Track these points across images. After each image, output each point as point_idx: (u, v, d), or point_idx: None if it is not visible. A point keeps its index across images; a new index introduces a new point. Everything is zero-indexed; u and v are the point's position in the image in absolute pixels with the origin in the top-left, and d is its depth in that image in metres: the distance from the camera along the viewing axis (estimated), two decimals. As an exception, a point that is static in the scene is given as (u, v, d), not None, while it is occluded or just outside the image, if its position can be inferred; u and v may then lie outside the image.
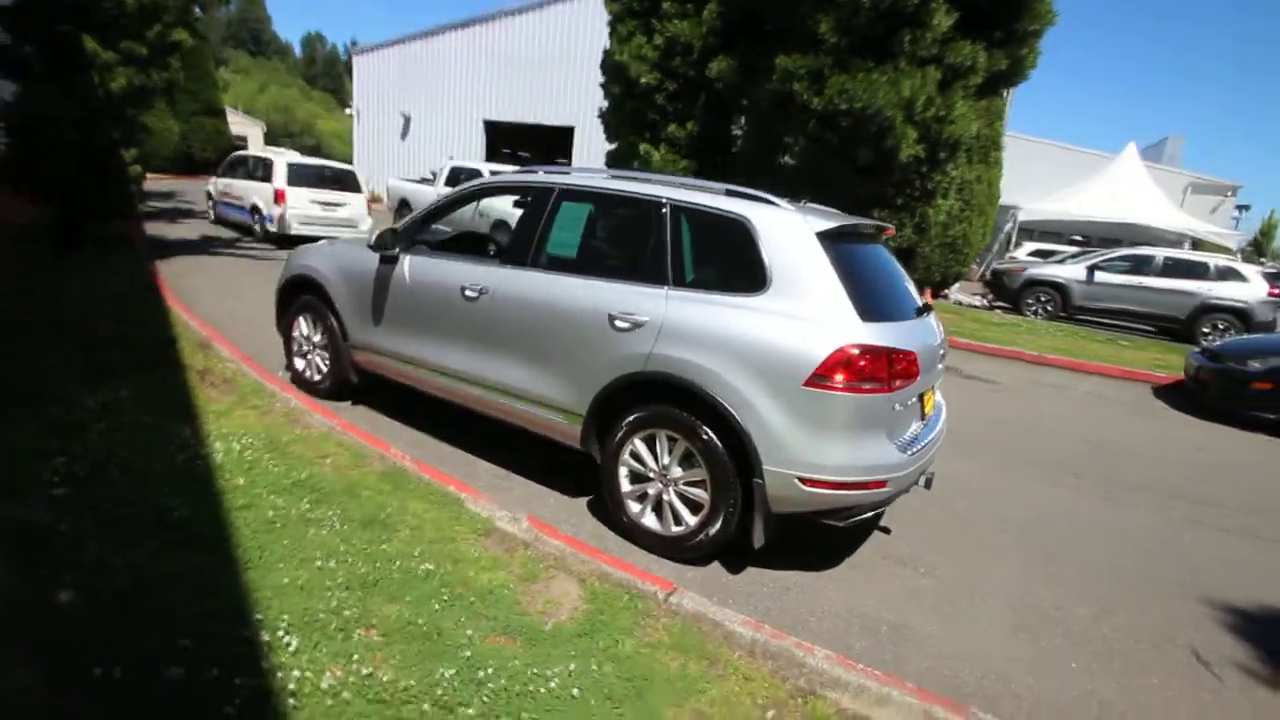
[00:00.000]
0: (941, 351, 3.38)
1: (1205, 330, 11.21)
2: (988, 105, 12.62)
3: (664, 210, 3.16)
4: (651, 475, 3.12)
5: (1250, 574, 3.65)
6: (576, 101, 21.28)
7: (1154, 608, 3.21)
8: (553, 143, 26.03)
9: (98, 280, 6.98)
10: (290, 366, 4.87)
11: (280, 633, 2.13)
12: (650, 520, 3.16)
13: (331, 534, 2.80)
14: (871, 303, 2.84)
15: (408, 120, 25.15)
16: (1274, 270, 11.68)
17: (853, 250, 2.98)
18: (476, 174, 13.15)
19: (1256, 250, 30.70)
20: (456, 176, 13.63)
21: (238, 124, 38.00)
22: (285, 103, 64.57)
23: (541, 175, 3.73)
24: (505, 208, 11.42)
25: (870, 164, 10.07)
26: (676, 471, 3.04)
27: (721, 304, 2.92)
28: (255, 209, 12.28)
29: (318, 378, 4.68)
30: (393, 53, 25.00)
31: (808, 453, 2.72)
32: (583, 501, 3.64)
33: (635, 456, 3.16)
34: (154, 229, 11.88)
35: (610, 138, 13.68)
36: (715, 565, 3.12)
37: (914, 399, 3.03)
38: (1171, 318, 11.57)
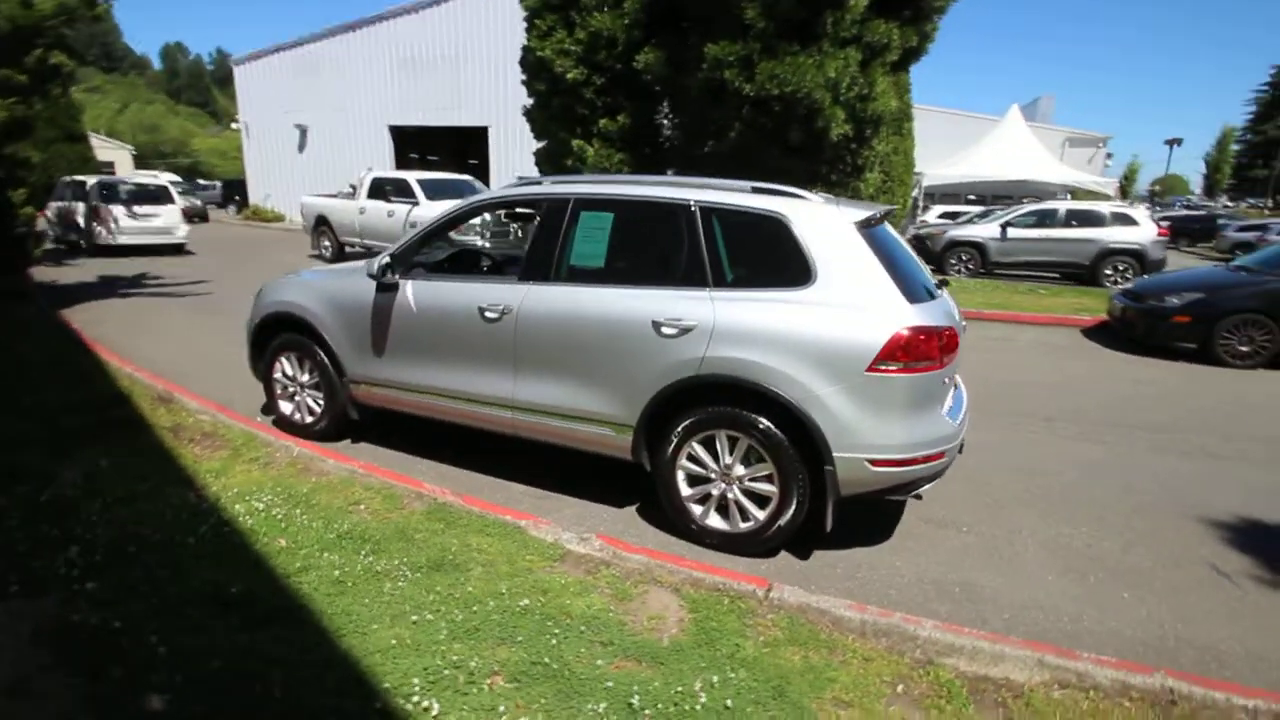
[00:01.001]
0: (963, 324, 3.58)
1: (1108, 273, 12.36)
2: (897, 80, 13.33)
3: (694, 212, 3.17)
4: (713, 476, 3.14)
5: (1222, 489, 4.10)
6: (488, 100, 20.73)
7: (1164, 533, 3.56)
8: (465, 145, 25.28)
9: (11, 341, 6.22)
10: (275, 410, 4.54)
11: (415, 697, 2.01)
12: (715, 520, 3.19)
13: (409, 585, 2.66)
14: (908, 285, 2.96)
15: (304, 131, 23.73)
16: (1161, 212, 12.97)
17: (878, 236, 3.10)
18: (404, 185, 12.62)
19: (1121, 194, 34.04)
20: (381, 188, 13.01)
21: (102, 149, 34.58)
22: (151, 121, 59.20)
23: (551, 187, 3.64)
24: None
25: (802, 144, 10.40)
26: (740, 469, 3.08)
27: (770, 301, 2.97)
28: (79, 226, 13.99)
29: (310, 419, 4.40)
30: (279, 60, 23.45)
31: (875, 435, 2.83)
32: (631, 511, 3.62)
33: (693, 460, 3.17)
34: (41, 274, 10.69)
35: (538, 135, 13.42)
36: (784, 555, 3.19)
37: (954, 371, 3.20)
38: (1078, 264, 12.67)
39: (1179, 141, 35.79)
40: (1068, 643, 2.61)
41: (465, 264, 4.41)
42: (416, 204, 12.27)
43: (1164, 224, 12.60)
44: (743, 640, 2.42)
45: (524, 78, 13.06)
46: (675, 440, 3.16)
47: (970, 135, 24.78)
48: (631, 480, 3.83)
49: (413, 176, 12.90)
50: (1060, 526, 3.59)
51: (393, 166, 21.74)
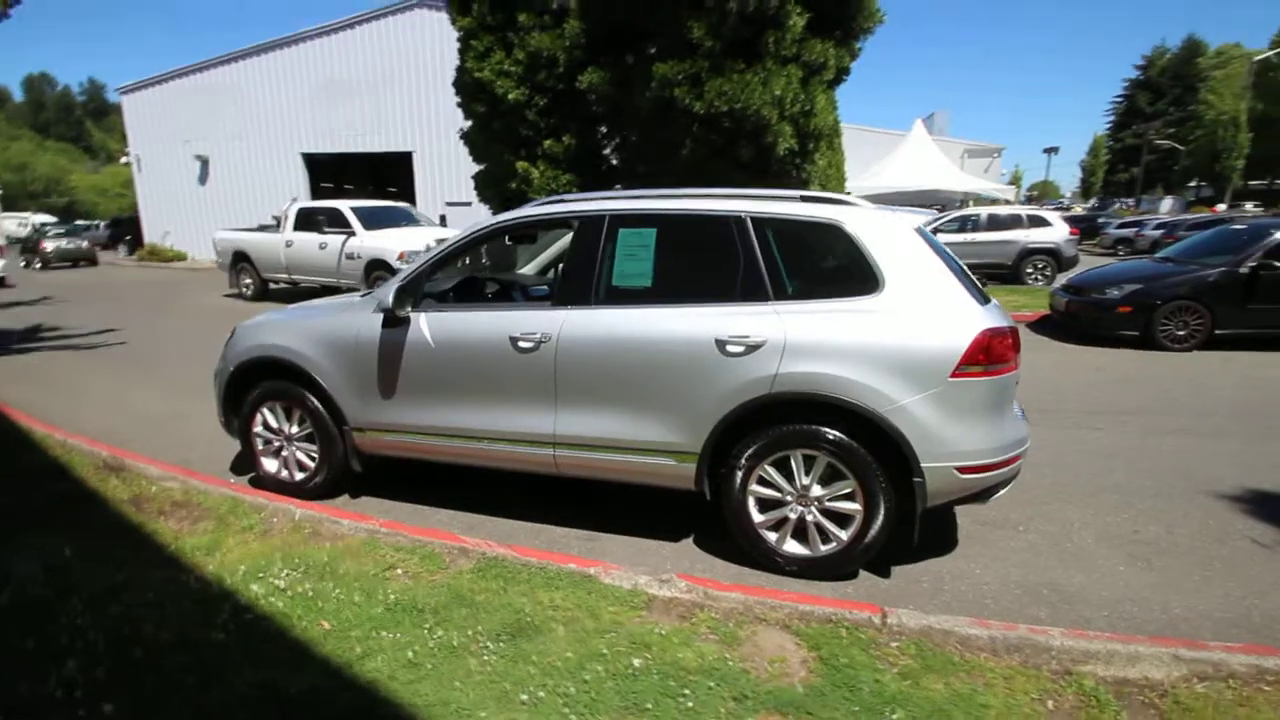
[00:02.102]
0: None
1: (1029, 271, 13.24)
2: (828, 98, 13.91)
3: (747, 224, 3.03)
4: (789, 498, 2.98)
5: (1218, 464, 4.33)
6: (412, 124, 20.07)
7: (1192, 512, 3.69)
8: (385, 171, 24.36)
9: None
10: (257, 468, 4.02)
11: (572, 798, 1.71)
12: (793, 546, 3.02)
13: (497, 658, 2.32)
14: (970, 289, 2.94)
15: (205, 162, 22.15)
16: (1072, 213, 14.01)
17: (932, 241, 3.06)
18: (337, 215, 11.88)
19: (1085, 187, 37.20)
20: (309, 219, 12.19)
21: (-39, 189, 31.00)
22: (17, 160, 53.63)
23: (580, 204, 3.41)
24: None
25: (751, 160, 10.59)
26: (818, 489, 2.93)
27: (840, 311, 2.86)
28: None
29: (301, 476, 3.91)
30: (174, 87, 21.83)
31: (962, 441, 2.76)
32: (689, 544, 3.39)
33: (765, 483, 3.00)
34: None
35: (478, 158, 13.03)
36: (864, 576, 3.06)
37: None
38: (1001, 265, 13.51)
39: (1055, 150, 39.32)
40: (1170, 631, 2.61)
41: (475, 293, 4.07)
42: (353, 234, 11.57)
43: (1074, 225, 13.63)
44: (879, 675, 2.25)
45: (459, 100, 12.71)
46: (745, 464, 2.98)
47: (881, 149, 26.26)
48: (680, 510, 3.61)
49: (345, 205, 12.17)
50: (1104, 516, 3.65)
51: (308, 196, 20.57)
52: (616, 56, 10.73)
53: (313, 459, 3.86)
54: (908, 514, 2.87)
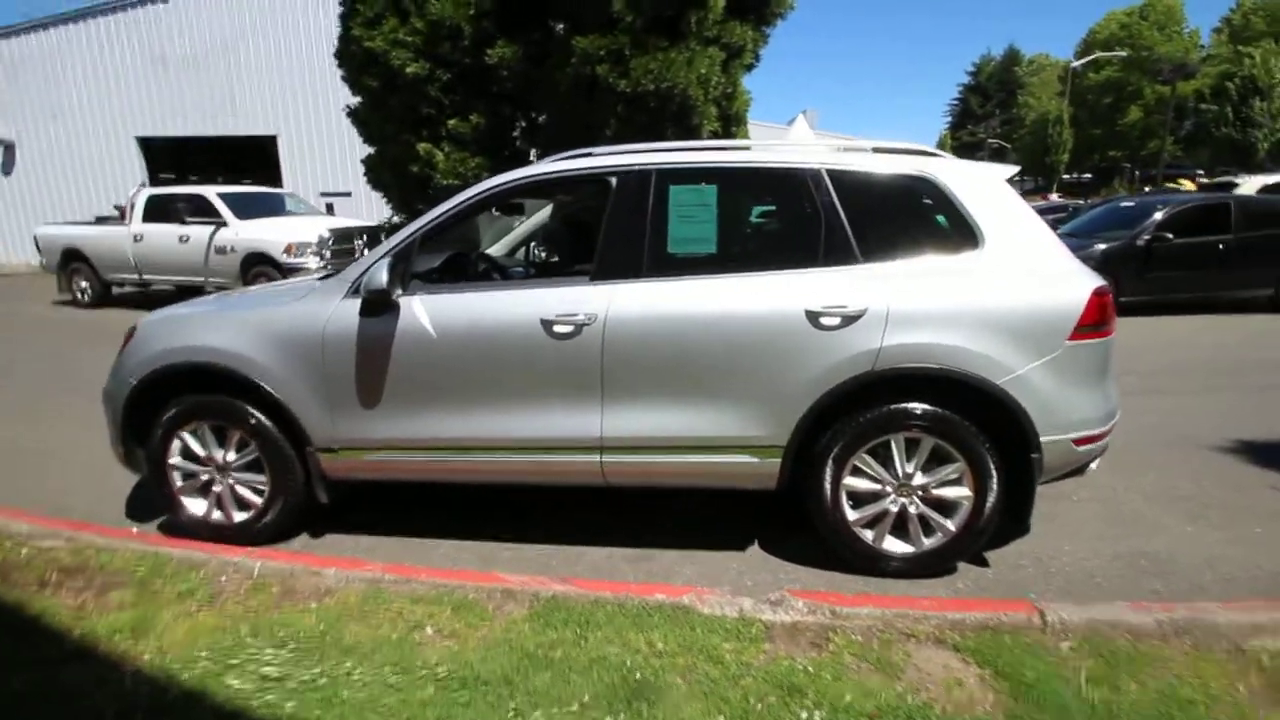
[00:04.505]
0: None
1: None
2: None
3: (823, 179, 2.61)
4: (888, 490, 2.62)
5: (1194, 420, 4.52)
6: (276, 105, 17.84)
7: (1224, 467, 3.72)
8: (242, 159, 21.59)
9: None
10: (176, 511, 3.07)
11: None
12: (893, 544, 2.66)
13: (626, 736, 1.75)
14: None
15: (9, 148, 18.41)
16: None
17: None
18: (202, 202, 10.14)
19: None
20: (164, 208, 10.32)
21: None
22: None
23: (613, 159, 2.82)
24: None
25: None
26: (921, 477, 2.59)
27: (942, 272, 2.53)
28: None
29: (244, 516, 3.03)
30: (-41, 56, 17.90)
31: (1079, 410, 2.53)
32: (758, 550, 2.94)
33: (860, 474, 2.62)
34: None
35: (370, 139, 11.68)
36: (963, 567, 2.76)
37: None
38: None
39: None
40: (1275, 588, 2.54)
41: (467, 273, 3.33)
42: (224, 224, 9.94)
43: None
44: (1073, 686, 1.94)
45: (344, 73, 11.31)
46: (838, 454, 2.57)
47: (768, 140, 27.13)
48: (731, 508, 3.16)
49: (211, 191, 10.45)
50: (1133, 478, 3.62)
51: (146, 183, 17.69)
52: (531, 30, 9.96)
53: (259, 492, 2.98)
54: (1013, 494, 2.60)
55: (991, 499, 2.55)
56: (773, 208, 3.03)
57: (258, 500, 2.98)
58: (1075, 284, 2.51)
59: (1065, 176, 47.80)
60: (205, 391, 2.89)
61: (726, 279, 2.59)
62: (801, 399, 2.52)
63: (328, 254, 9.88)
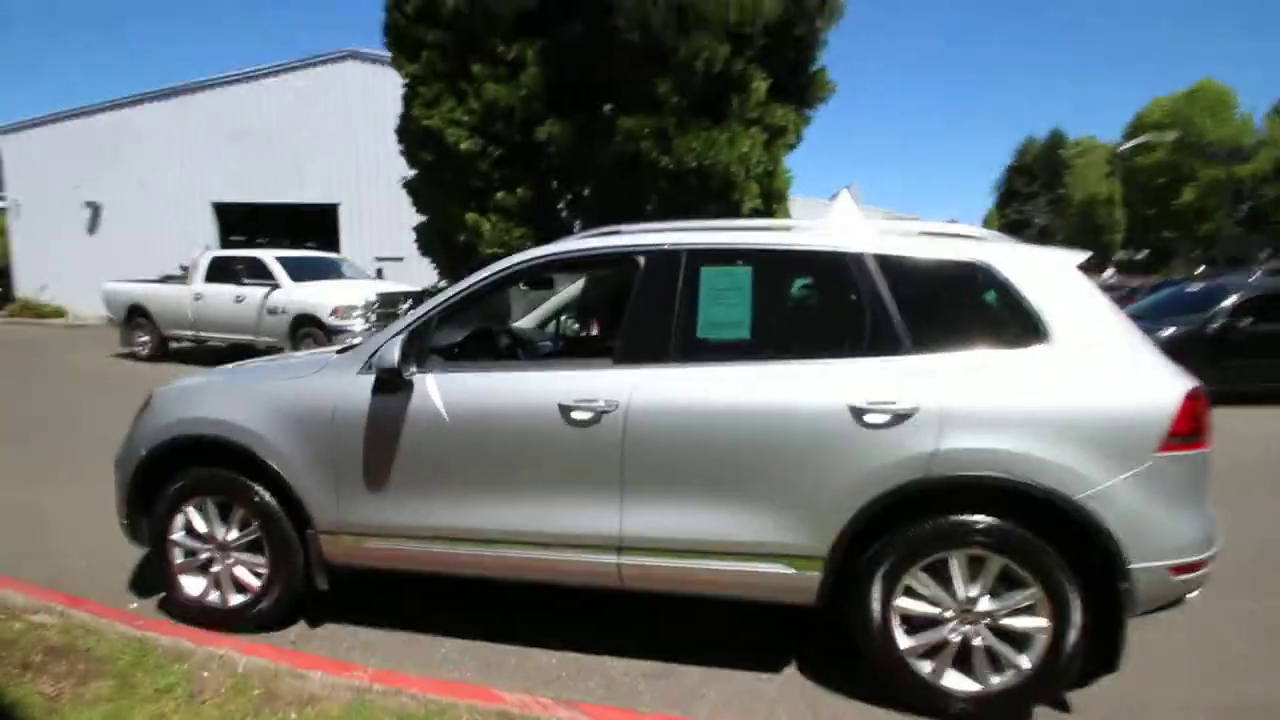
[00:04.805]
0: None
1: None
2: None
3: (867, 265, 2.42)
4: (948, 616, 2.28)
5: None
6: (338, 176, 18.92)
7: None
8: (304, 225, 22.83)
9: None
10: (174, 590, 2.92)
11: None
12: (955, 680, 2.30)
13: None
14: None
15: (97, 210, 19.91)
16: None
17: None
18: (258, 265, 10.60)
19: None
20: (225, 270, 10.81)
21: None
22: None
23: (641, 237, 2.71)
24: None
25: (718, 218, 10.35)
26: (987, 603, 2.25)
27: (1004, 368, 2.27)
28: None
29: (240, 600, 2.85)
30: (64, 130, 19.74)
31: (1175, 533, 2.18)
32: (795, 673, 2.59)
33: (915, 595, 2.29)
34: None
35: (422, 208, 12.17)
36: (1039, 711, 2.36)
37: None
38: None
39: (955, 221, 42.53)
40: None
41: (493, 350, 3.22)
42: (277, 286, 10.31)
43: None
44: None
45: (402, 148, 11.92)
46: (885, 570, 2.26)
47: (810, 215, 27.38)
48: (761, 621, 2.82)
49: (269, 254, 10.92)
50: (1236, 601, 3.14)
51: (217, 247, 18.75)
52: (579, 109, 10.35)
53: (259, 575, 2.81)
54: (1101, 631, 2.23)
55: (1073, 633, 2.19)
56: (811, 291, 2.84)
57: (256, 583, 2.82)
58: (1163, 385, 2.21)
59: (1121, 254, 46.73)
60: (212, 465, 2.79)
61: (761, 367, 2.39)
62: (844, 505, 2.25)
63: (373, 317, 10.09)
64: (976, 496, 2.21)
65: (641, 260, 2.59)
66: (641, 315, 2.54)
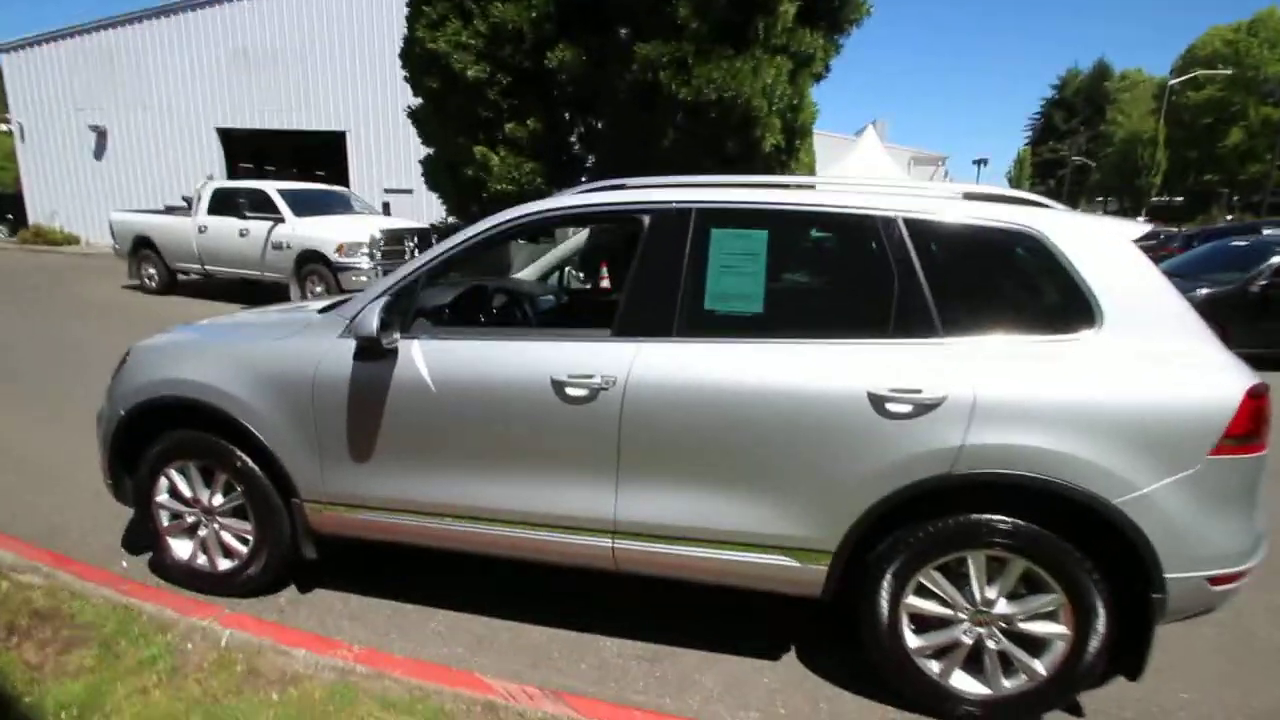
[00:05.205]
0: None
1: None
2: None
3: (899, 229, 2.15)
4: (962, 616, 2.13)
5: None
6: (346, 102, 18.24)
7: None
8: (312, 153, 22.28)
9: None
10: (161, 553, 2.85)
11: None
12: (963, 681, 2.18)
13: None
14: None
15: (102, 134, 19.46)
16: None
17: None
18: (262, 197, 10.30)
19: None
20: (228, 201, 10.54)
21: None
22: None
23: (646, 194, 2.43)
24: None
25: (737, 155, 9.80)
26: (1005, 606, 2.10)
27: (1047, 355, 2.03)
28: None
29: (228, 565, 2.78)
30: (64, 48, 19.05)
31: (1218, 542, 1.99)
32: (794, 661, 2.50)
33: (926, 593, 2.14)
34: None
35: (427, 140, 11.68)
36: (1055, 714, 2.24)
37: None
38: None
39: (985, 162, 40.74)
40: None
41: (481, 310, 3.01)
42: (281, 221, 10.05)
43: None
44: None
45: (407, 74, 11.31)
46: (897, 568, 2.11)
47: (833, 152, 26.16)
48: (760, 602, 2.71)
49: (272, 186, 10.59)
50: (1274, 593, 2.98)
51: (224, 176, 18.37)
52: (593, 34, 9.67)
53: (245, 541, 2.73)
54: (1125, 638, 2.08)
55: (1096, 642, 2.04)
56: (834, 259, 2.57)
57: (243, 549, 2.74)
58: (1223, 380, 1.97)
59: (1155, 199, 44.71)
60: (192, 428, 2.66)
61: (773, 346, 2.17)
62: (857, 499, 2.08)
63: (379, 254, 9.86)
64: (1003, 495, 2.03)
65: (646, 220, 2.33)
66: (644, 282, 2.30)
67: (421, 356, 2.39)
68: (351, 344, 2.42)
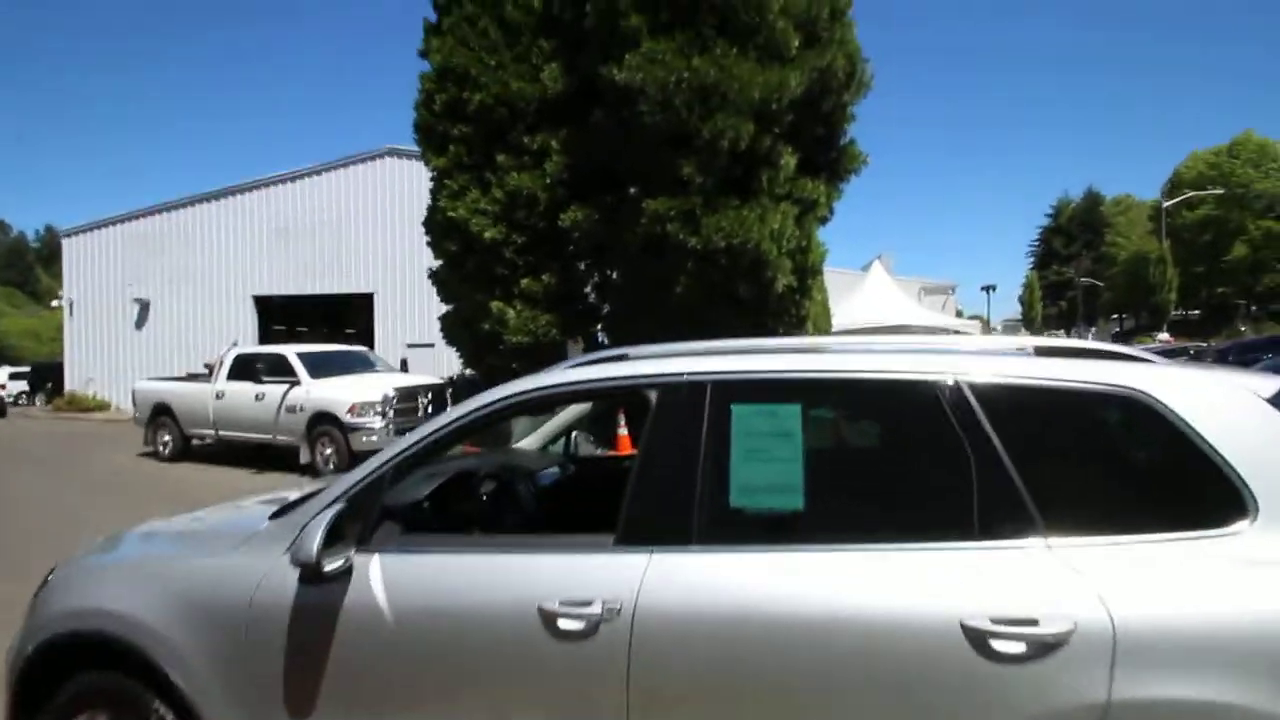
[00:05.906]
0: None
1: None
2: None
3: (964, 397, 1.72)
4: None
5: None
6: (373, 265, 19.27)
7: None
8: (341, 313, 23.27)
9: None
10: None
11: None
12: None
13: None
14: None
15: (145, 306, 20.61)
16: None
17: None
18: (279, 361, 10.39)
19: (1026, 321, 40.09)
20: (247, 367, 10.64)
21: None
22: (-55, 303, 50.97)
23: (649, 365, 2.07)
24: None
25: (749, 298, 9.81)
26: None
27: (1196, 555, 1.50)
28: None
29: None
30: (117, 231, 20.80)
31: None
32: None
33: None
34: None
35: (446, 298, 11.98)
36: None
37: None
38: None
39: (994, 288, 41.25)
40: None
41: (474, 503, 2.57)
42: (297, 383, 10.03)
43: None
44: None
45: (429, 239, 11.86)
46: None
47: (843, 287, 26.79)
48: None
49: (291, 350, 10.74)
50: None
51: (256, 340, 19.03)
52: (603, 194, 10.14)
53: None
54: None
55: None
56: (887, 439, 2.12)
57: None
58: None
59: (1174, 314, 44.57)
60: (107, 668, 2.15)
61: (822, 555, 1.67)
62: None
63: (391, 413, 9.68)
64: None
65: (652, 397, 1.94)
66: (653, 475, 1.87)
67: (380, 578, 1.91)
68: (296, 567, 1.96)
